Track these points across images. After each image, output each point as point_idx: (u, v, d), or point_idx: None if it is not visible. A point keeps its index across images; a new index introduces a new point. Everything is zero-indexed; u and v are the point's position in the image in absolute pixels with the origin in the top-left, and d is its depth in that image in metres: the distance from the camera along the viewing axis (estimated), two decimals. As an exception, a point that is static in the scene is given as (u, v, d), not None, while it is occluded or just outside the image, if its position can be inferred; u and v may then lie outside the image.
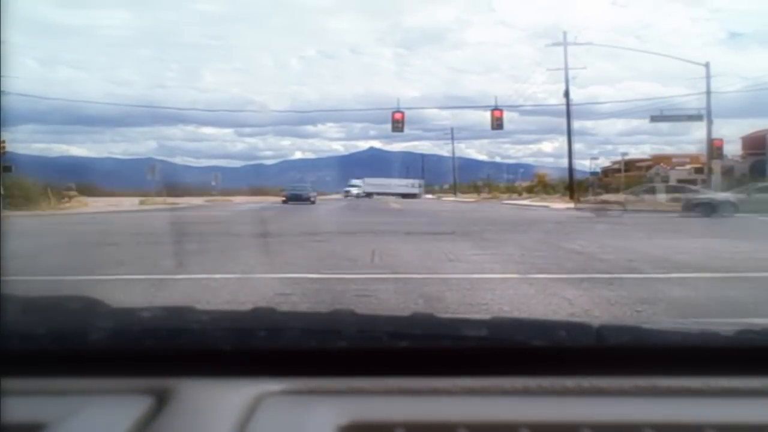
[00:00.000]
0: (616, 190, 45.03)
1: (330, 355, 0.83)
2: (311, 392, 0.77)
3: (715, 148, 30.28)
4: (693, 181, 43.00)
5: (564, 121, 37.70)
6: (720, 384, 0.78)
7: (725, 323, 0.98)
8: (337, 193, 70.58)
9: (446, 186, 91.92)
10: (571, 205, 33.49)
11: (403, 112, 30.80)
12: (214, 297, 5.63)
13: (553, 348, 0.83)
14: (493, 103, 33.21)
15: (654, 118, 32.88)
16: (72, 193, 31.43)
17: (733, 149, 43.74)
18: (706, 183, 31.25)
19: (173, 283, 6.56)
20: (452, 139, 77.77)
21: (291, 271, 7.29)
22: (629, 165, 58.97)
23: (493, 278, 6.84)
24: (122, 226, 16.94)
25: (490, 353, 0.84)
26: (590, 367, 0.80)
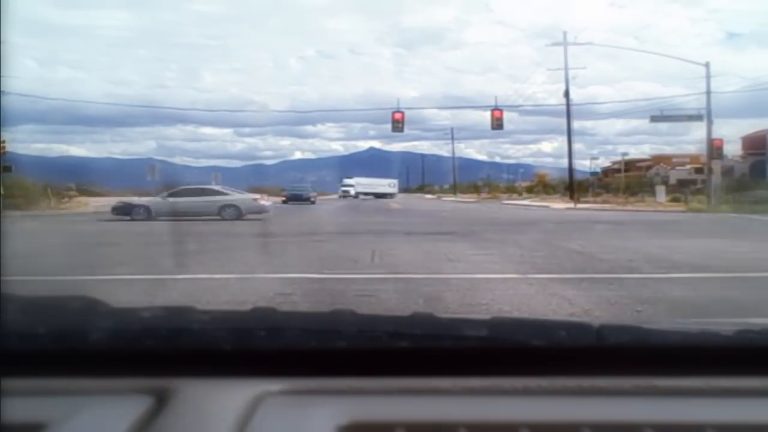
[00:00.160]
0: (617, 191, 45.10)
1: (330, 355, 0.83)
2: (311, 392, 0.77)
3: (715, 148, 30.26)
4: (693, 181, 43.07)
5: (563, 121, 37.72)
6: (720, 384, 0.78)
7: (725, 323, 0.98)
8: (337, 193, 69.58)
9: (446, 186, 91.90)
10: (571, 205, 33.48)
11: (403, 112, 30.78)
12: (214, 297, 5.63)
13: (553, 348, 0.83)
14: (491, 103, 33.22)
15: (654, 118, 32.86)
16: (72, 193, 31.42)
17: (733, 149, 43.75)
18: (706, 183, 31.26)
19: (173, 283, 6.56)
20: (452, 139, 77.79)
21: (291, 271, 7.29)
22: (629, 165, 58.96)
23: (493, 278, 6.84)
24: (122, 226, 16.94)
25: (490, 353, 0.84)
26: (590, 367, 0.80)
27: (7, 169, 25.38)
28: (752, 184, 34.27)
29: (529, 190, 63.71)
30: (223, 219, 19.40)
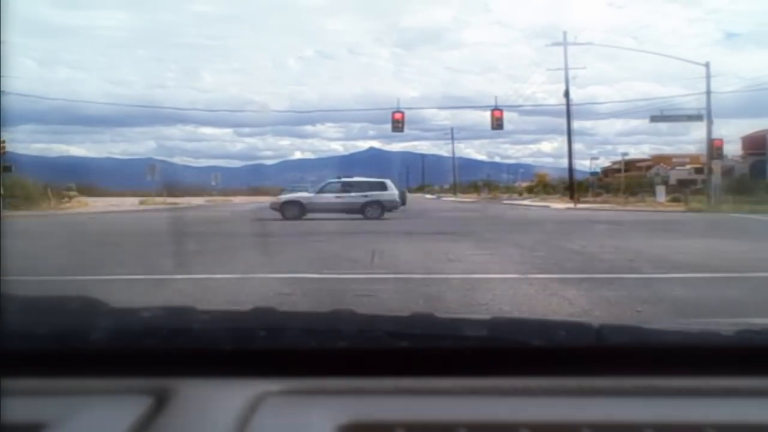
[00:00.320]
0: (617, 191, 45.10)
1: (330, 355, 0.83)
2: (311, 392, 0.77)
3: (715, 148, 30.26)
4: (693, 181, 43.07)
5: (563, 121, 37.71)
6: (720, 384, 0.78)
7: (725, 323, 0.98)
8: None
9: (446, 186, 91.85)
10: (572, 204, 33.48)
11: (403, 112, 30.78)
12: (214, 297, 5.63)
13: (553, 348, 0.83)
14: (490, 103, 33.26)
15: (654, 118, 32.86)
16: (72, 193, 31.45)
17: (733, 149, 43.72)
18: (706, 183, 31.26)
19: (173, 283, 6.56)
20: (452, 139, 77.65)
21: (291, 271, 7.29)
22: (629, 165, 58.94)
23: (493, 278, 6.84)
24: (123, 226, 16.94)
25: (490, 353, 0.84)
26: (590, 367, 0.80)
27: (7, 169, 25.39)
28: (752, 184, 34.27)
29: (529, 190, 63.73)
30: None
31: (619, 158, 61.35)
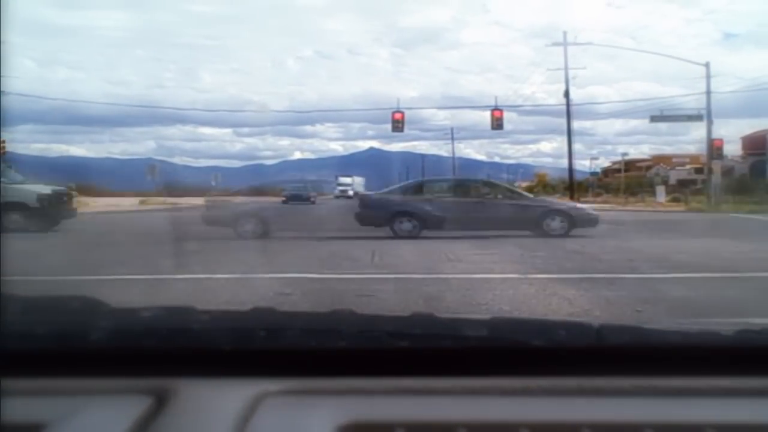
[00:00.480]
0: (617, 191, 45.11)
1: (330, 355, 0.83)
2: (311, 392, 0.77)
3: (715, 148, 30.26)
4: (693, 181, 43.07)
5: (563, 121, 37.60)
6: (720, 384, 0.78)
7: (725, 323, 0.98)
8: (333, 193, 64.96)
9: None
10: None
11: (403, 112, 30.75)
12: (214, 297, 5.63)
13: (553, 348, 0.83)
14: (490, 103, 33.24)
15: (654, 119, 32.84)
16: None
17: (732, 149, 43.71)
18: (706, 183, 31.26)
19: (173, 283, 6.56)
20: (452, 139, 77.32)
21: (291, 271, 7.29)
22: (629, 165, 58.98)
23: (493, 278, 6.84)
24: (123, 226, 16.94)
25: (490, 353, 0.84)
26: (590, 367, 0.80)
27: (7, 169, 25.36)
28: (752, 184, 34.29)
29: (529, 190, 63.69)
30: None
31: (618, 158, 61.42)
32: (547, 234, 12.44)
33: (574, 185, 38.15)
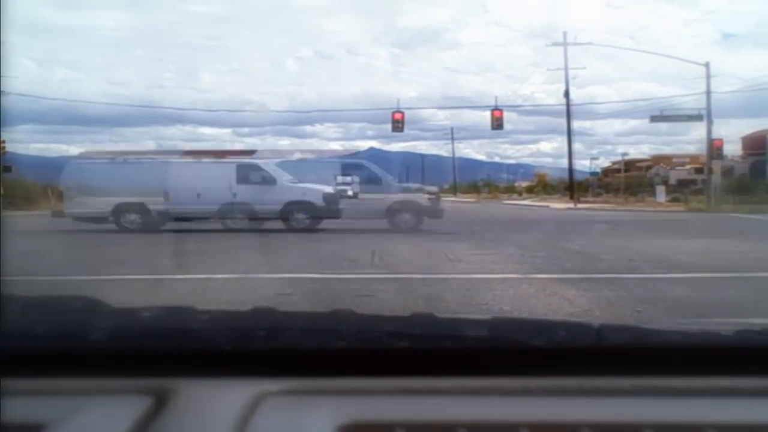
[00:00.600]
0: (617, 191, 45.11)
1: (330, 355, 0.83)
2: (311, 392, 0.77)
3: (715, 148, 30.25)
4: (693, 181, 43.07)
5: (562, 121, 37.68)
6: (720, 384, 0.78)
7: (725, 323, 0.98)
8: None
9: (446, 186, 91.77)
10: (572, 204, 33.48)
11: (403, 112, 30.72)
12: (214, 297, 5.63)
13: (553, 348, 0.83)
14: (489, 103, 33.24)
15: (654, 119, 32.83)
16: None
17: (732, 149, 43.66)
18: (706, 183, 31.25)
19: (173, 283, 6.56)
20: (452, 139, 77.22)
21: (291, 270, 7.29)
22: (629, 165, 58.95)
23: (493, 278, 6.84)
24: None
25: (490, 353, 0.84)
26: (590, 367, 0.80)
27: (7, 169, 25.39)
28: (752, 184, 34.27)
29: (529, 190, 63.72)
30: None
31: (618, 158, 61.41)
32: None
33: (573, 185, 38.19)
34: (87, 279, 6.70)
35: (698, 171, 43.50)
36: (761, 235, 15.02)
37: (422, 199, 15.50)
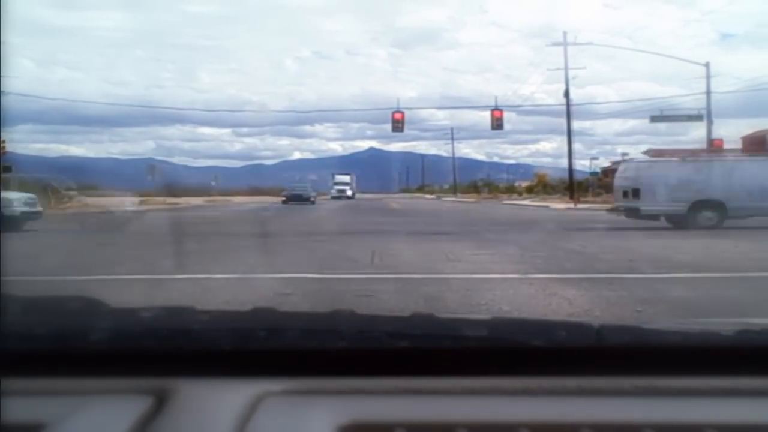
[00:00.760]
0: (616, 190, 44.94)
1: (330, 355, 0.83)
2: (311, 392, 0.77)
3: (715, 149, 30.24)
4: (693, 181, 42.88)
5: (562, 121, 37.67)
6: (720, 384, 0.78)
7: (725, 323, 0.98)
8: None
9: (446, 186, 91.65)
10: (572, 204, 33.48)
11: (403, 112, 30.80)
12: (214, 297, 5.63)
13: (553, 348, 0.83)
14: (488, 103, 33.28)
15: (654, 119, 32.83)
16: (72, 193, 31.41)
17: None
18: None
19: (173, 283, 6.56)
20: (452, 139, 77.16)
21: (291, 271, 7.29)
22: (629, 165, 58.75)
23: (493, 278, 6.84)
24: (124, 226, 16.92)
25: (490, 353, 0.84)
26: (590, 367, 0.80)
27: (7, 169, 25.38)
28: (752, 184, 34.18)
29: (529, 190, 63.61)
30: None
31: (618, 158, 61.19)
32: None
33: (573, 185, 38.19)
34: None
35: (698, 171, 43.39)
36: (761, 235, 15.00)
37: None
